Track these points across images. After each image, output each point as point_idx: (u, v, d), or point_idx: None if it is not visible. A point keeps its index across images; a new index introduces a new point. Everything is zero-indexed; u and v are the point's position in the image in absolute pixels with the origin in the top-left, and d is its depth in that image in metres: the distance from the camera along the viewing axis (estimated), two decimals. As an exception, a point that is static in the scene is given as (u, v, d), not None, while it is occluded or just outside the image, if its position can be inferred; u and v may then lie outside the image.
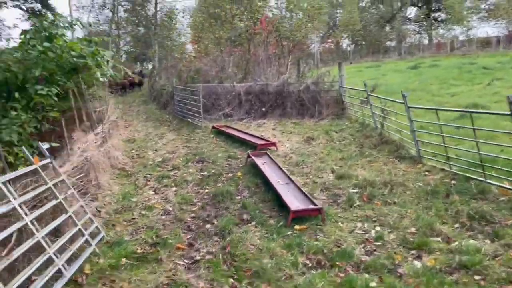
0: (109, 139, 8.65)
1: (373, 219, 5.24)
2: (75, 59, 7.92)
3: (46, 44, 7.63)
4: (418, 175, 6.71)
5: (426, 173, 6.80)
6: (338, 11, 59.48)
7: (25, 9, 27.73)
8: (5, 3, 25.70)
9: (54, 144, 6.88)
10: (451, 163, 6.64)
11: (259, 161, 7.81)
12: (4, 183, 3.67)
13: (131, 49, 44.60)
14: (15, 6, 26.96)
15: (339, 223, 5.19)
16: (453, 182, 6.18)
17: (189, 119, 13.50)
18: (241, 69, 16.64)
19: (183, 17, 34.85)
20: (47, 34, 8.02)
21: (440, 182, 6.25)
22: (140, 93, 25.01)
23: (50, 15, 22.67)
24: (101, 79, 8.55)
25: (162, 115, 15.68)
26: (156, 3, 36.89)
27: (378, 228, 4.95)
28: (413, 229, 4.81)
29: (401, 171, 7.02)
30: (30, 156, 4.29)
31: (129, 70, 34.48)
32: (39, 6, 28.30)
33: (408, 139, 7.99)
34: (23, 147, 4.26)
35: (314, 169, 7.64)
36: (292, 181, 6.55)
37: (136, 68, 39.10)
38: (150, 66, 38.77)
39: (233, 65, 16.46)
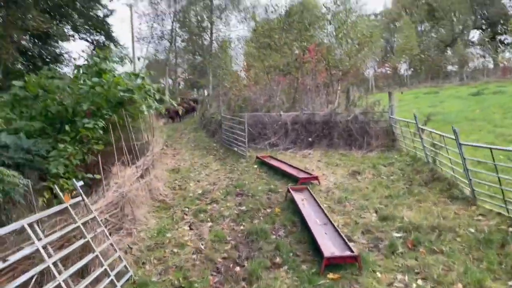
0: (152, 170, 8.80)
1: (416, 270, 4.76)
2: (121, 93, 8.21)
3: (94, 79, 7.99)
4: (471, 219, 6.08)
5: (480, 217, 6.16)
6: (395, 35, 58.41)
7: (91, 41, 29.82)
8: (73, 36, 27.79)
9: (97, 176, 7.09)
10: (509, 207, 5.96)
11: (298, 197, 7.54)
12: (29, 225, 3.72)
13: (188, 77, 46.45)
14: (81, 38, 29.05)
15: (377, 273, 4.77)
16: (510, 229, 5.52)
17: (235, 148, 13.52)
18: (289, 98, 16.55)
19: (235, 46, 35.80)
20: (97, 69, 8.41)
21: (496, 228, 5.61)
22: (192, 120, 25.69)
23: (112, 47, 24.10)
24: (146, 112, 8.80)
25: (210, 143, 15.86)
26: (211, 33, 38.29)
27: (420, 282, 4.49)
28: (459, 285, 4.30)
29: (452, 213, 6.41)
30: (61, 194, 4.36)
31: (186, 96, 35.84)
32: (103, 38, 30.32)
33: (462, 177, 7.34)
34: (55, 185, 4.33)
35: (357, 207, 7.22)
36: (331, 222, 6.20)
37: (193, 95, 40.59)
38: (206, 93, 40.04)
39: (281, 94, 16.41)
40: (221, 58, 26.01)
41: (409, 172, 9.18)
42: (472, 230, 5.65)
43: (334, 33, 17.72)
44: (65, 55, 27.87)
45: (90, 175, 7.39)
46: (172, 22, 39.34)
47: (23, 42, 21.68)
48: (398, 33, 55.81)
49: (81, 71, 8.88)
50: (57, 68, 23.82)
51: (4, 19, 19.31)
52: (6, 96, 8.47)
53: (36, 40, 24.91)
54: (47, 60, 25.50)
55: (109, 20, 31.06)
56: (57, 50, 26.70)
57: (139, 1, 38.56)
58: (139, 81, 9.39)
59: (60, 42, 26.75)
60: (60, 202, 5.88)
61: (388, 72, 55.43)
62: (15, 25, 19.35)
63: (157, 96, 9.50)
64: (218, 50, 34.16)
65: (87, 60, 9.14)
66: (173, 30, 39.41)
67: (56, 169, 6.97)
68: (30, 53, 24.29)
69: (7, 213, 5.30)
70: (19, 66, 23.76)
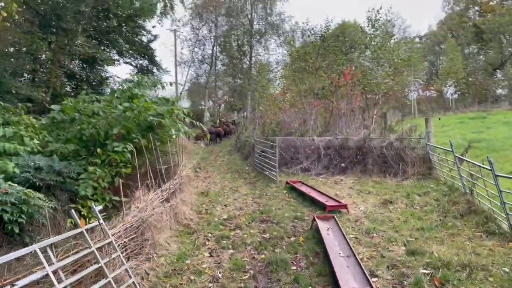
0: (179, 193, 8.88)
1: (441, 312, 4.44)
2: (151, 117, 8.43)
3: (126, 104, 8.26)
4: (506, 257, 5.64)
5: (517, 256, 5.71)
6: (440, 58, 56.95)
7: (135, 65, 31.25)
8: (118, 61, 29.22)
9: (124, 199, 7.25)
10: (551, 246, 5.50)
11: (323, 226, 7.34)
12: (42, 249, 3.82)
13: (228, 99, 47.36)
14: (126, 63, 30.49)
15: (398, 314, 4.49)
16: (550, 271, 5.07)
17: (266, 172, 13.46)
18: (324, 122, 16.39)
19: (273, 69, 36.19)
20: (129, 94, 8.71)
21: (534, 270, 5.17)
22: (229, 143, 25.95)
23: (155, 71, 25.18)
24: (174, 136, 8.97)
25: (243, 167, 15.90)
26: (250, 57, 39.05)
27: (444, 326, 4.17)
28: (488, 333, 3.96)
29: (487, 250, 5.99)
30: (77, 218, 4.47)
31: (226, 118, 36.41)
32: (146, 62, 31.70)
33: (500, 211, 6.87)
34: (72, 210, 4.45)
35: (385, 239, 6.91)
36: (354, 254, 5.96)
37: (233, 117, 41.24)
38: (245, 115, 40.61)
39: (315, 118, 16.28)
40: (258, 81, 26.37)
41: (444, 203, 8.72)
42: (507, 270, 5.23)
43: (371, 57, 17.51)
44: (110, 79, 29.26)
45: (117, 198, 7.58)
46: (213, 47, 40.59)
47: (71, 66, 23.00)
48: (443, 56, 54.38)
49: (115, 95, 9.21)
50: (101, 91, 24.94)
51: (54, 45, 20.62)
52: (45, 120, 8.91)
53: (84, 65, 26.39)
54: (94, 83, 26.86)
55: (152, 44, 32.51)
56: (103, 74, 28.06)
57: (181, 27, 39.75)
58: (161, 108, 9.53)
59: (106, 66, 28.14)
60: (89, 221, 6.08)
61: (433, 95, 53.86)
62: (63, 50, 20.59)
63: (188, 120, 9.68)
64: (256, 73, 34.75)
65: (121, 85, 9.49)
66: (214, 54, 40.59)
67: (85, 191, 7.18)
68: (78, 77, 25.71)
69: (31, 234, 5.49)
70: (68, 89, 25.22)
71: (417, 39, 57.95)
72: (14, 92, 17.94)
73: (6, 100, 15.91)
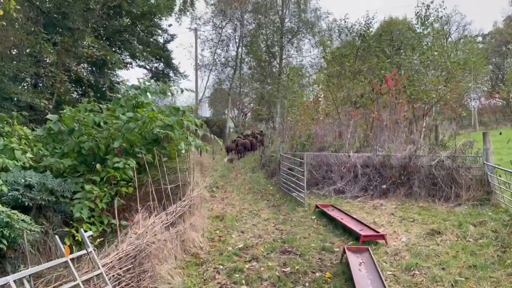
0: (188, 217, 8.89)
1: None
2: (158, 129, 8.49)
3: (129, 114, 8.35)
4: None
5: None
6: (506, 60, 55.48)
7: (149, 68, 31.90)
8: (130, 64, 29.89)
9: (124, 223, 7.29)
10: None
11: (355, 260, 7.17)
12: (18, 280, 3.86)
13: (256, 107, 47.54)
14: (139, 66, 31.15)
15: None
16: None
17: (293, 193, 13.34)
18: (364, 136, 16.16)
19: (305, 74, 36.12)
20: (134, 103, 8.84)
21: None
22: (253, 158, 25.96)
23: (172, 74, 25.56)
24: (183, 151, 9.00)
25: (266, 187, 15.83)
26: (280, 59, 39.15)
27: None
28: None
29: (553, 296, 5.66)
30: (62, 246, 4.51)
31: (255, 129, 36.50)
32: (162, 65, 32.28)
33: None
34: (56, 236, 4.50)
35: (429, 278, 6.65)
36: (388, 296, 5.76)
37: (260, 128, 41.30)
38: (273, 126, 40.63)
39: (353, 130, 16.07)
40: (289, 88, 26.27)
41: (504, 235, 8.34)
42: None
43: (419, 59, 17.17)
44: (121, 84, 29.80)
45: (114, 221, 7.62)
46: (238, 48, 40.95)
47: (78, 70, 23.63)
48: (511, 58, 52.96)
49: (120, 104, 9.33)
50: (111, 98, 25.43)
51: (60, 46, 21.28)
52: (40, 131, 9.09)
53: (92, 68, 27.05)
54: (103, 89, 27.41)
55: (169, 45, 33.02)
56: (114, 79, 28.60)
57: (202, 26, 40.26)
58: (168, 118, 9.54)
59: (116, 70, 28.68)
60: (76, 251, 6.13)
61: (498, 104, 52.32)
62: (69, 52, 21.22)
63: (200, 133, 9.69)
64: (286, 78, 34.88)
65: (126, 91, 9.61)
66: (238, 57, 40.91)
67: (80, 212, 7.25)
68: (85, 82, 26.34)
69: (14, 262, 5.57)
70: (74, 95, 25.85)
71: (479, 39, 56.77)
72: (14, 99, 18.53)
73: (4, 108, 16.48)
